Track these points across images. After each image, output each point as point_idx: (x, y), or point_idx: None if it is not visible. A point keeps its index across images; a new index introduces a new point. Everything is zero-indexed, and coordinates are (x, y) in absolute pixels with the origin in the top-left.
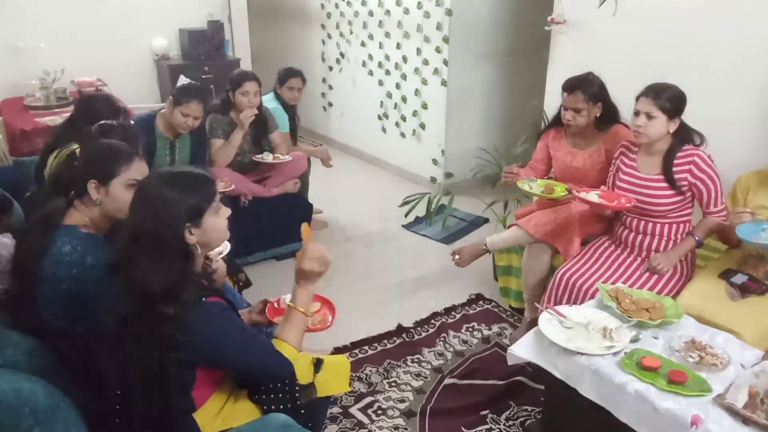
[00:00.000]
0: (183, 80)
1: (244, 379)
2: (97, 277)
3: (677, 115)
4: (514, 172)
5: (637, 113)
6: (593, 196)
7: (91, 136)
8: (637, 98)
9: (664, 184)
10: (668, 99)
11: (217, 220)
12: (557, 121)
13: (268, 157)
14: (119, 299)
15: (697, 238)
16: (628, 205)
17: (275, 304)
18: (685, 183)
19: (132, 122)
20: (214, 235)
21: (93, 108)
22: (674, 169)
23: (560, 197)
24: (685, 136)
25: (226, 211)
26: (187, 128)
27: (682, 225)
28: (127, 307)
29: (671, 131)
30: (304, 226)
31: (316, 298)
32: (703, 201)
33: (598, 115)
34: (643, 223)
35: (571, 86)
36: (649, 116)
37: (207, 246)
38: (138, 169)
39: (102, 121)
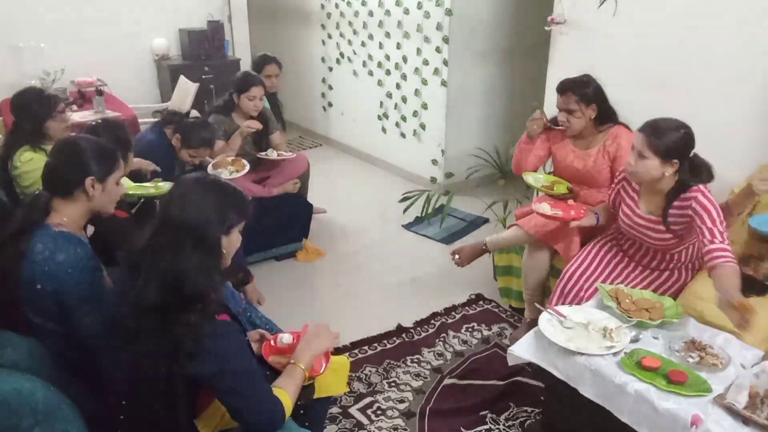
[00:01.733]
0: (183, 81)
1: (233, 414)
2: (67, 276)
3: (674, 159)
4: (538, 117)
5: (632, 147)
6: (545, 207)
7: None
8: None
9: (659, 226)
10: (663, 141)
11: (238, 238)
12: (556, 122)
13: (272, 154)
14: (147, 292)
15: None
16: (581, 214)
17: (272, 342)
18: (682, 225)
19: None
20: (232, 251)
21: (25, 103)
22: (673, 211)
23: (560, 195)
24: (689, 178)
25: (240, 237)
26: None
27: (691, 247)
28: (155, 298)
29: (667, 174)
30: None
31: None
32: (700, 234)
33: (593, 116)
34: (645, 246)
35: (563, 88)
36: (641, 155)
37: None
38: (122, 168)
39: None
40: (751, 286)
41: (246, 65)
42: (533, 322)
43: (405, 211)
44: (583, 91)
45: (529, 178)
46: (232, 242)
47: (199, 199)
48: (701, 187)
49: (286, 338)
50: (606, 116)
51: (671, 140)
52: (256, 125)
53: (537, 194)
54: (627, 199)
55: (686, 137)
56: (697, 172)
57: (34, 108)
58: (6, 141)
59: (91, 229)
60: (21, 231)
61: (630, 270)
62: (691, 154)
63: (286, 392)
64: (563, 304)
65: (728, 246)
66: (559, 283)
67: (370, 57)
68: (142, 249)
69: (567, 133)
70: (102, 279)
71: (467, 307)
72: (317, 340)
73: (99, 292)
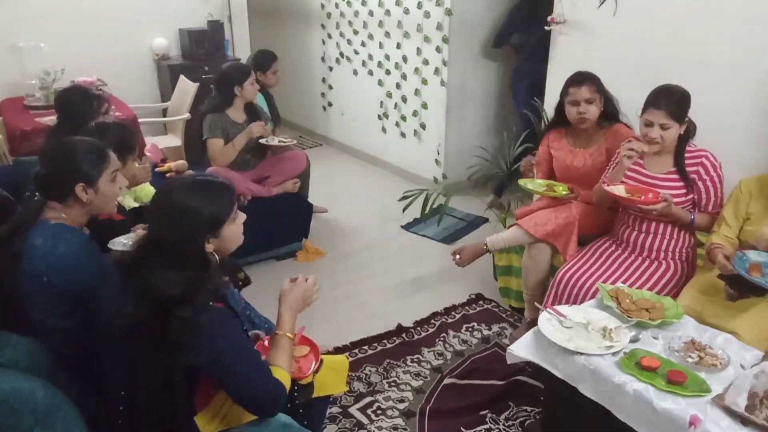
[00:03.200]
0: (183, 81)
1: (235, 396)
2: (73, 265)
3: (686, 118)
4: (530, 167)
5: (649, 124)
6: (620, 189)
7: (86, 134)
8: (645, 108)
9: (676, 183)
10: (678, 106)
11: (234, 227)
12: (557, 122)
13: (273, 140)
14: (130, 302)
15: (693, 217)
16: (655, 200)
17: (265, 342)
18: (694, 178)
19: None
20: (231, 242)
21: (69, 100)
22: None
23: (562, 196)
24: (685, 137)
25: (242, 217)
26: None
27: (685, 234)
28: (140, 311)
29: (682, 132)
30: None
31: (305, 342)
32: (702, 202)
33: (601, 109)
34: (646, 222)
35: (582, 79)
36: (664, 127)
37: (224, 252)
38: (115, 160)
39: (99, 121)
40: (750, 286)
41: None
42: (533, 322)
43: (404, 210)
44: (598, 82)
45: (529, 184)
46: (225, 238)
47: (184, 206)
48: (707, 150)
49: None
50: (609, 112)
51: (682, 104)
52: (262, 128)
53: (533, 198)
54: (632, 165)
55: (687, 95)
56: (690, 126)
57: (75, 107)
58: (47, 139)
59: (86, 231)
60: (15, 231)
61: (624, 269)
62: None
63: (280, 367)
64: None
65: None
66: (552, 285)
67: (370, 57)
68: (131, 262)
69: (584, 125)
70: (105, 258)
71: (467, 307)
72: (291, 296)
73: (108, 272)
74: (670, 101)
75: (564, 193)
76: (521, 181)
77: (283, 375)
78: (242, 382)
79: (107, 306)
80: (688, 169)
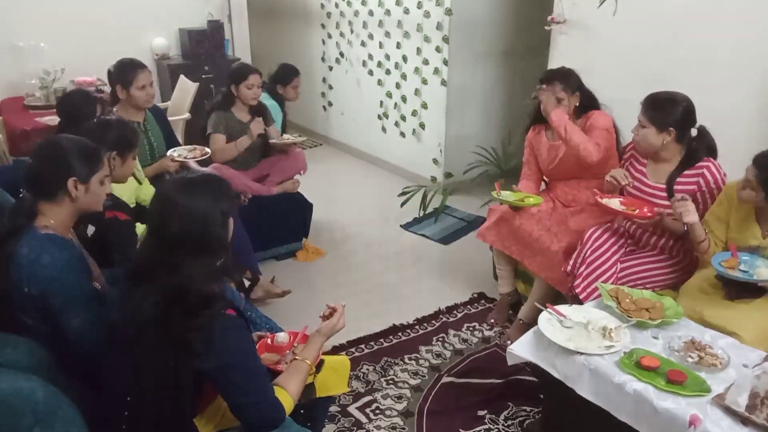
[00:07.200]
0: (183, 81)
1: (233, 409)
2: (52, 278)
3: (669, 128)
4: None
5: (638, 120)
6: (615, 203)
7: (86, 132)
8: None
9: (666, 194)
10: (659, 111)
11: (232, 223)
12: (536, 119)
13: (283, 138)
14: (145, 306)
15: (686, 228)
16: (649, 215)
17: (268, 341)
18: (690, 193)
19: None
20: (231, 230)
21: (72, 103)
22: (682, 179)
23: (530, 205)
24: (695, 154)
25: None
26: (151, 99)
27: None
28: (163, 313)
29: (664, 142)
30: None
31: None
32: (699, 212)
33: (576, 104)
34: (650, 231)
35: (549, 78)
36: (641, 124)
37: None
38: (106, 166)
39: (100, 117)
40: (745, 288)
41: None
42: (526, 320)
43: (402, 205)
44: (568, 80)
45: (507, 196)
46: (230, 230)
47: (194, 206)
48: (713, 160)
49: (282, 337)
50: (588, 105)
51: (666, 111)
52: (261, 126)
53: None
54: (635, 173)
55: (683, 109)
56: (703, 144)
57: (77, 110)
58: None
59: (91, 229)
60: (8, 234)
61: (636, 250)
62: (697, 126)
63: (287, 391)
64: (582, 265)
65: None
66: (581, 249)
67: (370, 56)
68: (143, 267)
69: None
70: (90, 281)
71: (468, 306)
72: (327, 327)
73: (87, 294)
74: (650, 102)
75: (533, 202)
76: (494, 193)
77: (286, 399)
78: (243, 397)
79: (77, 324)
80: (689, 179)
